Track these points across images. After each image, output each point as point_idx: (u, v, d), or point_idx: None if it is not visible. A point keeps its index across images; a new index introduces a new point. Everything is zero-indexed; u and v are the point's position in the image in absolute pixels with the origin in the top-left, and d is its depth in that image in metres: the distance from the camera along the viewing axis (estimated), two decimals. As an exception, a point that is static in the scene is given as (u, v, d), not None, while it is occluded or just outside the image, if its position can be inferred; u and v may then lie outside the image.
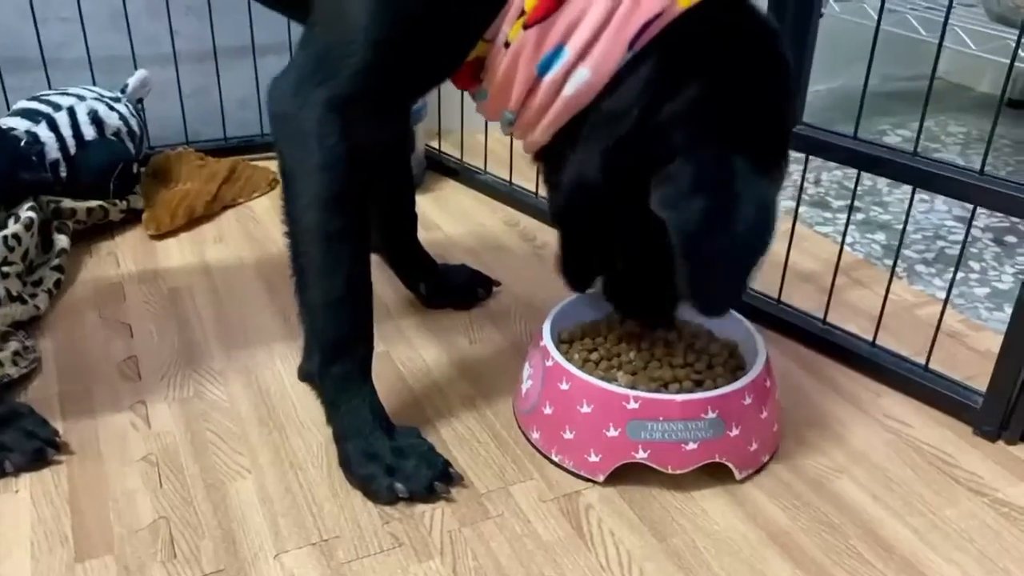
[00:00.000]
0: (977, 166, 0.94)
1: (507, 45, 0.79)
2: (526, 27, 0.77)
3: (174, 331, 1.14)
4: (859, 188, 1.80)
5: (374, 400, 0.89)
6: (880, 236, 1.50)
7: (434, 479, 0.86)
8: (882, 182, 1.71)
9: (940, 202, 1.63)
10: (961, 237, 1.51)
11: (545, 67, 0.78)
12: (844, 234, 1.12)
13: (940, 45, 0.97)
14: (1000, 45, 1.58)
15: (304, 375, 0.89)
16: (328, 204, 0.81)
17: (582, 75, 0.77)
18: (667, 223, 0.77)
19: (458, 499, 0.87)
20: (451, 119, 1.63)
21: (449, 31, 0.79)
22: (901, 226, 1.59)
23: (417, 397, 1.03)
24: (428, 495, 0.86)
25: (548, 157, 0.87)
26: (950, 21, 0.96)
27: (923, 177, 0.97)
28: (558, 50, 0.77)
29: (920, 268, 1.39)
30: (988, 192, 0.92)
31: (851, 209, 1.11)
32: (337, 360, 0.87)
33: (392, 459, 0.86)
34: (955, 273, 1.03)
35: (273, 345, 1.10)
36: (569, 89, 0.78)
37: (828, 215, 1.57)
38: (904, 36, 1.67)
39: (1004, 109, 2.15)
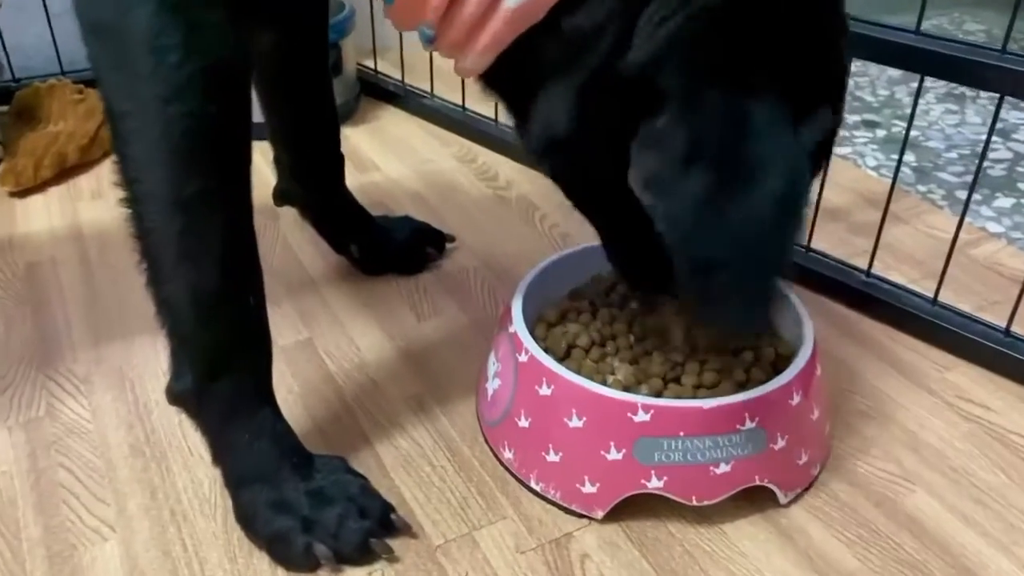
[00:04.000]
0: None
1: None
2: None
3: (28, 322, 0.87)
4: (873, 97, 1.57)
5: (278, 427, 0.64)
6: (909, 156, 1.25)
7: (369, 533, 0.62)
8: (902, 90, 1.46)
9: (972, 113, 1.38)
10: (1003, 154, 1.27)
11: None
12: (896, 170, 0.87)
13: None
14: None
15: (175, 398, 0.64)
16: (179, 156, 0.54)
17: None
18: (652, 214, 0.52)
19: (404, 556, 0.63)
20: (389, 32, 1.34)
21: None
22: (930, 143, 1.37)
23: (348, 403, 0.77)
24: (362, 556, 0.62)
25: (496, 84, 0.60)
26: None
27: (1018, 82, 0.72)
28: None
29: (961, 194, 1.15)
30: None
31: (909, 130, 0.85)
32: (219, 377, 0.61)
33: (309, 509, 0.62)
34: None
35: (159, 338, 0.83)
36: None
37: (844, 133, 1.32)
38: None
39: (1024, 2, 1.90)
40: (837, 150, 1.26)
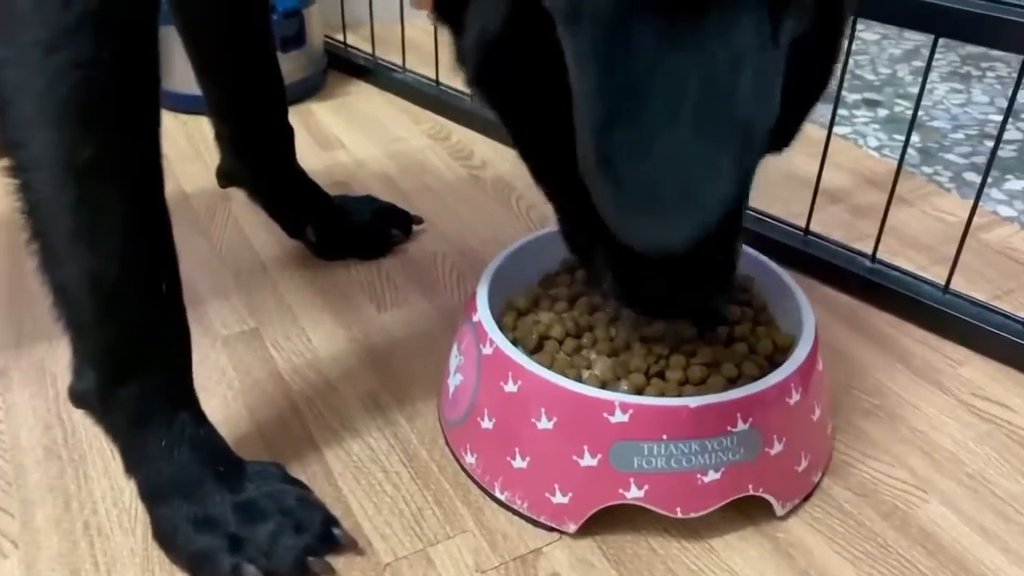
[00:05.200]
0: None
1: None
2: None
3: (-57, 311, 0.78)
4: (874, 76, 1.48)
5: (201, 432, 0.56)
6: (913, 137, 1.17)
7: (307, 550, 0.54)
8: (904, 68, 1.38)
9: (979, 92, 1.31)
10: (1013, 135, 1.20)
11: None
12: (903, 154, 0.79)
13: None
14: None
15: (78, 399, 0.55)
16: (68, 115, 0.46)
17: None
18: (553, 9, 0.39)
19: (348, 577, 0.55)
20: (358, 5, 1.26)
21: None
22: (935, 123, 1.29)
23: (294, 401, 0.69)
24: (298, 576, 0.54)
25: (446, 10, 0.51)
26: None
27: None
28: None
29: (969, 176, 1.08)
30: None
31: (922, 89, 0.77)
32: (128, 378, 0.53)
33: (237, 524, 0.54)
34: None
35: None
36: None
37: (843, 112, 1.24)
38: None
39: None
40: (837, 129, 1.18)
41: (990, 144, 1.16)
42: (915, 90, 1.31)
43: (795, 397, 0.58)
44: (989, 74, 1.38)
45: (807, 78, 0.47)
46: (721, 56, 0.37)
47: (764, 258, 0.69)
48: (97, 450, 0.64)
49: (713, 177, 0.39)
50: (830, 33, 0.48)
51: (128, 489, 0.60)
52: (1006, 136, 1.18)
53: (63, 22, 0.44)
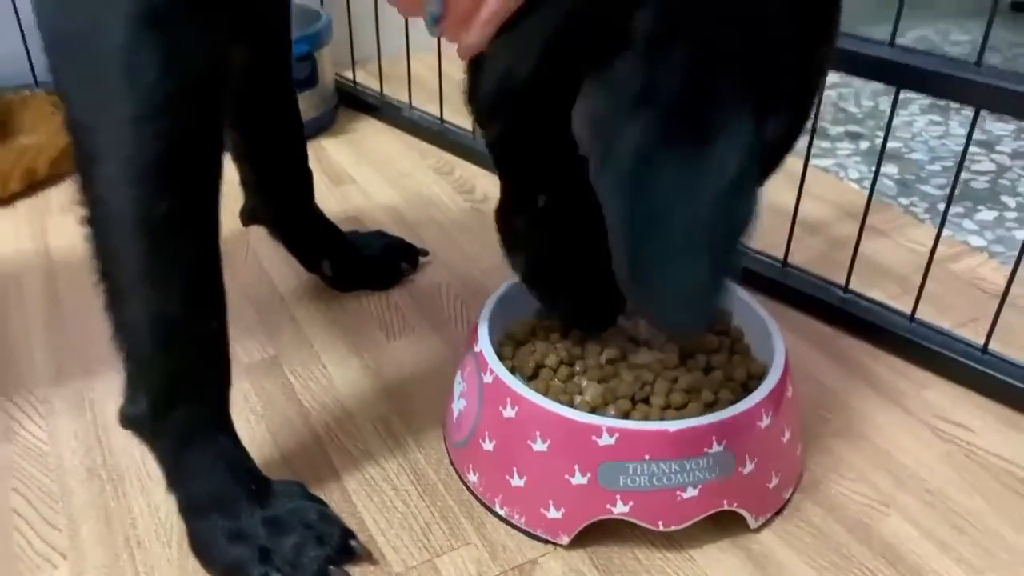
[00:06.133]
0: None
1: None
2: None
3: (-12, 341, 0.85)
4: (857, 108, 1.55)
5: (235, 454, 0.62)
6: (891, 168, 1.24)
7: (328, 560, 0.60)
8: (886, 102, 1.45)
9: (956, 124, 1.37)
10: (986, 165, 1.26)
11: None
12: (873, 183, 0.85)
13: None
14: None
15: (128, 422, 0.62)
16: (149, 177, 0.52)
17: None
18: (588, 154, 0.50)
19: (364, 585, 0.61)
20: (366, 43, 1.33)
21: None
22: (914, 155, 1.35)
23: (312, 424, 0.76)
24: (319, 584, 0.60)
25: (481, 66, 0.59)
26: None
27: (992, 97, 0.71)
28: None
29: (944, 206, 1.14)
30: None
31: (885, 143, 0.84)
32: (176, 404, 0.59)
33: (266, 537, 0.60)
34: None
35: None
36: None
37: (826, 144, 1.31)
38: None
39: (1010, 13, 1.90)
40: (819, 162, 1.25)
41: (965, 176, 1.23)
42: (896, 122, 1.38)
43: (765, 421, 0.64)
44: (967, 108, 1.44)
45: (778, 148, 0.55)
46: (722, 181, 0.48)
47: (741, 291, 0.75)
48: (133, 471, 0.70)
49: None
50: (799, 116, 0.55)
51: (163, 505, 0.67)
52: (980, 167, 1.25)
53: (153, 100, 0.50)
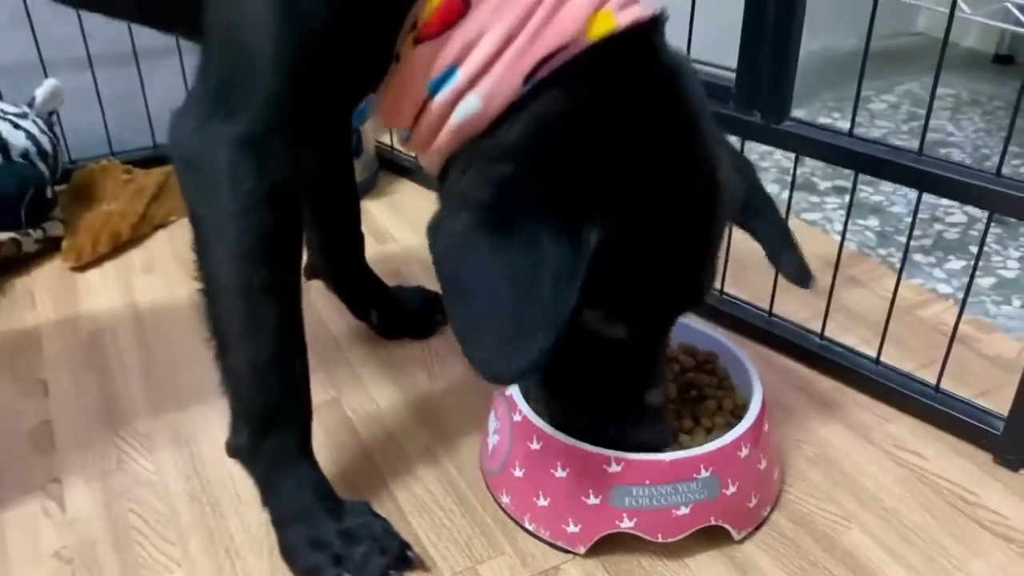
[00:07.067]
0: (973, 139, 0.83)
1: (396, 59, 0.68)
2: (416, 42, 0.66)
3: (94, 386, 1.01)
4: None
5: (316, 477, 0.78)
6: (872, 221, 1.39)
7: (389, 566, 0.75)
8: (870, 158, 1.60)
9: (934, 178, 1.51)
10: (958, 217, 1.40)
11: (436, 87, 0.67)
12: (843, 237, 1.00)
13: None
14: (995, 9, 1.46)
15: (233, 451, 0.77)
16: (248, 256, 0.69)
17: (472, 104, 0.65)
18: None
19: (419, 586, 0.76)
20: (402, 112, 1.49)
21: (361, 45, 0.67)
22: (894, 208, 1.49)
23: (369, 454, 0.91)
24: (383, 586, 0.75)
25: (441, 181, 0.75)
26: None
27: (932, 181, 0.86)
28: (451, 71, 0.66)
29: (918, 257, 1.28)
30: (1007, 198, 0.81)
31: (849, 213, 0.98)
32: (269, 434, 0.75)
33: (340, 546, 0.75)
34: (969, 284, 0.91)
35: (206, 400, 0.97)
36: (456, 117, 0.66)
37: (815, 199, 1.46)
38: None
39: (991, 66, 2.04)
40: (808, 216, 1.40)
41: (937, 227, 1.38)
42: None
43: (745, 452, 0.78)
44: (946, 159, 1.58)
45: (664, 261, 0.67)
46: (524, 263, 0.62)
47: (724, 339, 0.90)
48: (228, 496, 0.85)
49: (525, 344, 0.62)
50: (687, 227, 0.68)
51: (254, 524, 0.82)
52: (953, 219, 1.40)
53: (249, 200, 0.67)
